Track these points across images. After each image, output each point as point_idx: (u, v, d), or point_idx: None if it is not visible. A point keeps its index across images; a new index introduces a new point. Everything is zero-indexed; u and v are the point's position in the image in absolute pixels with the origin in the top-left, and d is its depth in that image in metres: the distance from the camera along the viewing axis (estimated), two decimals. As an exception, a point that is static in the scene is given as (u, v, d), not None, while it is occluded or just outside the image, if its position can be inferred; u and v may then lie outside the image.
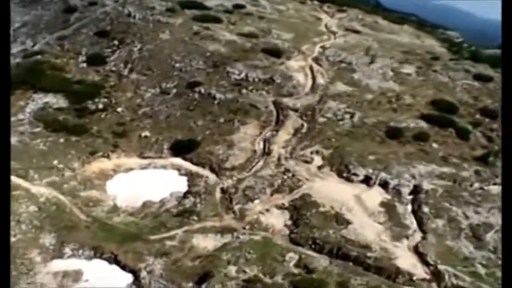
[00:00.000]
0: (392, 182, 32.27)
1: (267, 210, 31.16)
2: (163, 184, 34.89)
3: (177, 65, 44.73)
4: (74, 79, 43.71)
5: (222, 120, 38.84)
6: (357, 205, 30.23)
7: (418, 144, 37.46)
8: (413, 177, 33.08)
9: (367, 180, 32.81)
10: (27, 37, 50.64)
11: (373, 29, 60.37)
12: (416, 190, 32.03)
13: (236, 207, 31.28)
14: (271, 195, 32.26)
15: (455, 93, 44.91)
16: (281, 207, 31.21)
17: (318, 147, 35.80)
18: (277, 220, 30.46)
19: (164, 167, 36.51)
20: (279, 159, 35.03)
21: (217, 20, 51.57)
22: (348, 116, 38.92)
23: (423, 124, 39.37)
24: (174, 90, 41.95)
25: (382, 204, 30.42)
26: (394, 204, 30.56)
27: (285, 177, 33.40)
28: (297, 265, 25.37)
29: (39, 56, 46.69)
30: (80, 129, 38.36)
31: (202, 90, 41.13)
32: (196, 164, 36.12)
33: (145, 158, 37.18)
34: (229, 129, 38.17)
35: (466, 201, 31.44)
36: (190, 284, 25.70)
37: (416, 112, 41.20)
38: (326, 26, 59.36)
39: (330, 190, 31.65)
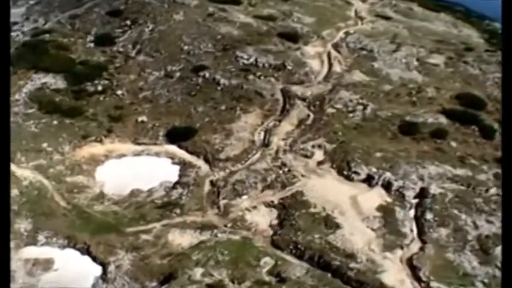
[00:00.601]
0: (396, 184, 29.00)
1: (254, 207, 28.70)
2: (154, 172, 33.05)
3: (186, 47, 42.52)
4: (78, 59, 42.24)
5: (223, 107, 36.44)
6: (351, 207, 27.26)
7: (434, 142, 33.90)
8: (422, 179, 29.67)
9: (369, 180, 29.72)
10: (39, 15, 49.61)
11: (405, 16, 56.10)
12: (422, 194, 28.64)
13: (222, 202, 29.01)
14: (262, 191, 29.73)
15: (485, 88, 40.79)
16: (269, 205, 28.69)
17: (322, 141, 32.87)
18: (263, 219, 28.00)
19: (158, 154, 34.60)
20: (277, 152, 32.41)
21: (236, 2, 48.93)
22: (360, 107, 35.68)
23: (443, 120, 35.69)
24: (178, 74, 39.79)
25: (380, 208, 27.28)
26: (394, 209, 27.33)
27: (280, 172, 30.76)
28: (270, 272, 22.87)
29: (47, 35, 45.48)
30: (75, 111, 36.85)
31: (207, 75, 38.78)
32: (191, 153, 34.04)
33: (139, 144, 35.38)
34: (230, 117, 35.75)
35: (478, 209, 27.89)
36: (154, 284, 23.57)
37: (437, 106, 37.47)
38: (355, 11, 55.44)
39: (325, 189, 28.80)
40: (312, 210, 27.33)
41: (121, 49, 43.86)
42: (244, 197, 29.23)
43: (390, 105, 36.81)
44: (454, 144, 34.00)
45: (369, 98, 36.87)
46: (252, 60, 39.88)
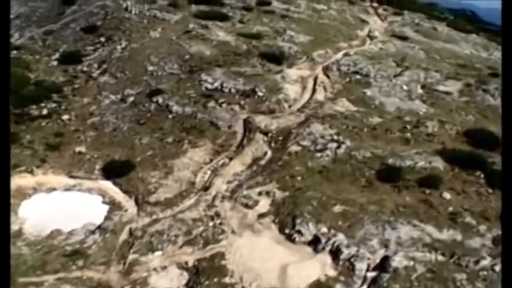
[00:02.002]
0: (347, 251, 21.94)
1: (165, 267, 22.58)
2: (81, 212, 27.86)
3: (151, 68, 37.38)
4: (34, 79, 37.96)
5: (170, 139, 30.74)
6: (277, 281, 20.41)
7: (421, 192, 26.50)
8: (386, 245, 22.40)
9: (315, 243, 22.67)
10: (16, 30, 46.21)
11: (426, 36, 48.91)
12: (381, 266, 21.34)
13: (130, 258, 23.02)
14: (181, 247, 23.55)
15: (506, 123, 32.60)
16: (183, 267, 22.45)
17: (272, 187, 26.30)
18: (170, 284, 21.81)
19: (90, 190, 29.36)
20: (214, 198, 26.14)
21: (224, 18, 43.45)
22: (332, 145, 28.84)
23: (439, 163, 28.20)
24: (132, 99, 34.58)
25: (316, 285, 20.26)
26: (333, 287, 20.20)
27: (210, 224, 24.52)
28: None
29: (15, 52, 41.70)
30: (11, 138, 32.06)
31: (161, 101, 33.27)
32: (125, 192, 28.45)
33: (73, 177, 30.18)
34: (175, 151, 29.99)
35: (457, 291, 20.26)
36: None
37: (436, 145, 30.05)
38: (370, 30, 48.65)
39: (254, 252, 22.25)
40: (226, 280, 20.89)
41: (85, 68, 39.34)
42: (158, 253, 23.26)
43: (374, 143, 29.73)
44: (447, 195, 26.44)
45: (347, 133, 29.97)
46: (216, 84, 34.04)
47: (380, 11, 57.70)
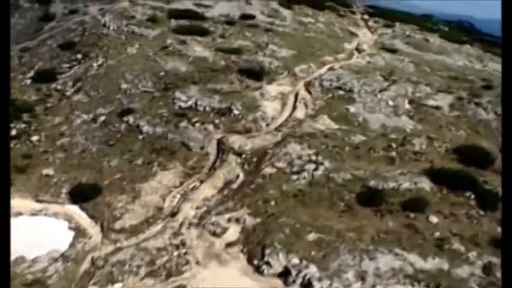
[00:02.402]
0: (319, 285, 19.87)
1: (122, 302, 20.55)
2: (47, 238, 26.13)
3: (124, 86, 35.69)
4: (4, 99, 36.07)
5: (139, 161, 28.93)
6: (240, 320, 18.41)
7: (406, 216, 24.56)
8: (363, 277, 20.40)
9: (285, 275, 20.68)
10: (-9, 48, 44.45)
11: (417, 48, 47.15)
12: (356, 303, 19.33)
13: (88, 291, 21.08)
14: (142, 279, 21.64)
15: (498, 138, 30.88)
16: (142, 303, 20.37)
17: (243, 213, 24.42)
18: (126, 322, 19.75)
19: (56, 215, 27.64)
20: (181, 225, 24.24)
21: (204, 33, 41.77)
22: (310, 167, 26.93)
23: (426, 184, 26.26)
24: (103, 118, 32.79)
25: (280, 326, 18.22)
26: (300, 329, 18.21)
27: (175, 254, 22.67)
28: None
29: (-11, 70, 40.04)
30: (-24, 161, 30.31)
31: (131, 121, 31.50)
32: (91, 217, 26.69)
33: (39, 201, 28.44)
34: (144, 174, 28.16)
35: (435, 334, 18.22)
36: None
37: (424, 164, 28.14)
38: (358, 43, 46.95)
39: (217, 285, 20.13)
40: (186, 318, 18.79)
41: (59, 87, 37.76)
42: (118, 285, 21.44)
43: (355, 163, 27.82)
44: (434, 219, 24.50)
45: (327, 153, 28.05)
46: (190, 102, 32.27)
47: (370, 23, 56.11)
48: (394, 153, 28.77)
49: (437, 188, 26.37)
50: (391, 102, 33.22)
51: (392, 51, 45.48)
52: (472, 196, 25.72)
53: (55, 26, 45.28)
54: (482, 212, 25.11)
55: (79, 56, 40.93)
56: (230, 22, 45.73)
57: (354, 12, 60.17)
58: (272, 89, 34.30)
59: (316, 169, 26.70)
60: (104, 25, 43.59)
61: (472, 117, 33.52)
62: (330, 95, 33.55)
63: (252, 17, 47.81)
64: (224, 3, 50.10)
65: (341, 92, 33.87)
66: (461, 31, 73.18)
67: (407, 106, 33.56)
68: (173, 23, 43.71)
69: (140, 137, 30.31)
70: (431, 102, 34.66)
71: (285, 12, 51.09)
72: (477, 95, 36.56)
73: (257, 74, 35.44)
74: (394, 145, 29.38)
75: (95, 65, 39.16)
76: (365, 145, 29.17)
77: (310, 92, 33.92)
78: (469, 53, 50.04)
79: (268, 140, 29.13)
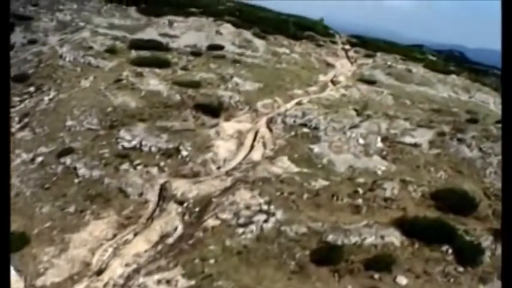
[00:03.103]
0: None
1: None
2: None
3: (69, 122, 32.23)
4: None
5: (72, 208, 25.38)
6: None
7: (369, 276, 20.82)
8: None
9: None
10: None
11: (398, 79, 43.84)
12: None
13: None
14: None
15: (482, 179, 27.32)
16: None
17: (177, 273, 20.61)
18: None
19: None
20: (105, 286, 20.38)
21: (164, 64, 38.64)
22: (260, 218, 23.20)
23: (394, 237, 22.55)
24: (41, 159, 29.22)
25: None
26: None
27: (86, 329, 18.54)
28: None
29: None
30: None
31: (68, 162, 27.95)
32: (17, 270, 22.99)
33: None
34: (76, 223, 24.60)
35: None
36: None
37: (395, 213, 24.53)
38: (335, 74, 43.72)
39: None
40: None
41: (2, 124, 34.04)
42: None
43: (314, 213, 24.08)
44: (403, 280, 20.77)
45: (281, 202, 24.32)
46: (135, 142, 28.72)
47: (351, 53, 53.03)
48: (360, 201, 25.09)
49: (409, 241, 22.74)
50: (361, 141, 29.65)
51: (371, 82, 42.20)
52: (450, 250, 22.09)
53: (12, 56, 42.15)
54: (461, 269, 21.49)
55: (31, 88, 37.75)
56: (196, 53, 42.64)
57: (335, 42, 57.17)
58: (229, 126, 30.81)
59: (266, 221, 22.96)
60: (61, 56, 40.43)
61: (454, 156, 29.96)
62: (293, 133, 29.99)
63: (221, 47, 44.76)
64: (192, 33, 47.15)
65: (305, 130, 30.32)
66: (450, 60, 70.75)
67: (380, 144, 29.97)
68: (133, 54, 40.56)
69: (76, 180, 26.78)
70: (408, 140, 31.08)
71: (258, 42, 48.02)
72: (461, 130, 33.10)
73: (214, 109, 32.01)
74: (361, 191, 25.70)
75: (46, 98, 35.90)
76: (327, 191, 25.48)
77: (271, 130, 30.38)
78: (455, 83, 46.76)
79: (215, 186, 25.46)
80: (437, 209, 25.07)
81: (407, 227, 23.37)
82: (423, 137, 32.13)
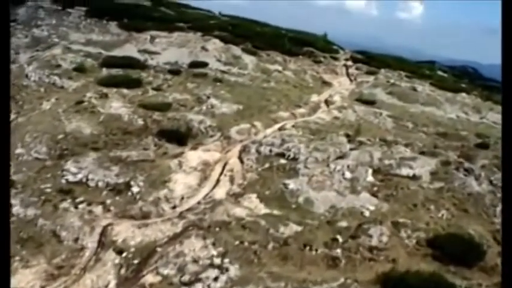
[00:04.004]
0: None
1: None
2: None
3: (19, 150, 28.28)
4: None
5: None
6: None
7: None
8: None
9: None
10: None
11: (402, 99, 39.32)
12: None
13: None
14: None
15: (492, 220, 22.89)
16: None
17: None
18: None
19: None
20: None
21: (135, 84, 34.71)
22: (210, 275, 18.86)
23: (378, 300, 17.93)
24: (-25, 195, 24.99)
25: None
26: None
27: None
28: None
29: None
30: None
31: (2, 200, 23.61)
32: None
33: None
34: None
35: None
36: None
37: (382, 266, 20.24)
38: (330, 94, 39.35)
39: None
40: None
41: (-50, 151, 30.28)
42: None
43: (278, 268, 19.62)
44: None
45: (239, 253, 19.92)
46: (81, 176, 24.61)
47: (352, 70, 48.55)
48: (339, 251, 20.63)
49: (393, 307, 18.07)
50: (348, 174, 25.14)
51: (370, 102, 37.68)
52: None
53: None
54: None
55: (-10, 112, 33.83)
56: (174, 71, 38.65)
57: (336, 59, 52.74)
58: (195, 156, 26.54)
59: (216, 279, 18.50)
60: (27, 75, 36.82)
61: (460, 190, 25.38)
62: (267, 165, 25.58)
63: (204, 64, 40.74)
64: (175, 49, 43.26)
65: (282, 161, 25.89)
66: (463, 77, 66.31)
67: (370, 178, 25.45)
68: (104, 72, 36.77)
69: (11, 220, 22.60)
70: (405, 171, 26.54)
71: (248, 59, 43.88)
72: (469, 158, 28.49)
73: (181, 136, 27.82)
74: (340, 239, 21.25)
75: (1, 123, 31.88)
76: (298, 239, 21.03)
77: (242, 161, 25.99)
78: (465, 102, 41.93)
79: (163, 232, 21.13)
80: (434, 259, 20.61)
81: (396, 285, 18.77)
82: (424, 167, 27.55)
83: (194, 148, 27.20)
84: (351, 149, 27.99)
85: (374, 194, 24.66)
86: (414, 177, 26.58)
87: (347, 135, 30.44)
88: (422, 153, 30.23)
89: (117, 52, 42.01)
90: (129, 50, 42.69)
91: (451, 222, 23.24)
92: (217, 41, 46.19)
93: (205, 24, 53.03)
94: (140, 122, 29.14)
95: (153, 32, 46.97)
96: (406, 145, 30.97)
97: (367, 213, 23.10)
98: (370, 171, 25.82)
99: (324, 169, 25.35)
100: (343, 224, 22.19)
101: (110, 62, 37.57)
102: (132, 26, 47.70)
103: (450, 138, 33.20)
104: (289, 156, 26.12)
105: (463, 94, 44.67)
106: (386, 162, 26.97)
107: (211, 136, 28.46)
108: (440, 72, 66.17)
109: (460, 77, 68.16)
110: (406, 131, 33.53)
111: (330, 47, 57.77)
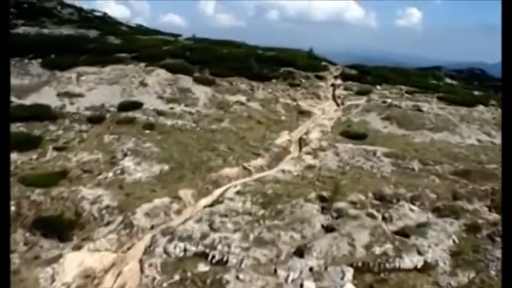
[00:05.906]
0: None
1: None
2: None
3: None
4: None
5: None
6: None
7: None
8: None
9: None
10: None
11: (402, 125, 29.27)
12: None
13: None
14: None
15: None
16: None
17: None
18: None
19: None
20: None
21: (31, 144, 25.56)
22: None
23: None
24: None
25: None
26: None
27: None
28: None
29: None
30: None
31: None
32: None
33: None
34: None
35: None
36: None
37: None
38: (308, 128, 29.10)
39: None
40: None
41: None
42: None
43: None
44: None
45: None
46: None
47: (339, 90, 38.31)
48: None
49: None
50: (308, 285, 14.60)
51: (359, 137, 27.36)
52: None
53: None
54: None
55: None
56: (96, 119, 28.93)
57: (322, 78, 42.45)
58: (76, 261, 16.60)
59: None
60: None
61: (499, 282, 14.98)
62: (178, 277, 15.27)
63: (138, 105, 30.92)
64: (104, 88, 33.62)
65: (202, 268, 15.48)
66: (472, 80, 57.21)
67: (347, 285, 14.86)
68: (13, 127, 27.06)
69: None
70: (409, 261, 16.08)
71: (201, 90, 34.00)
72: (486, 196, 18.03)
73: (63, 228, 17.99)
74: None
75: None
76: None
77: (142, 270, 15.68)
78: (484, 118, 31.45)
79: None
80: None
81: None
82: (439, 243, 17.16)
83: (78, 247, 17.08)
84: (321, 230, 17.57)
85: (357, 314, 14.20)
86: (424, 269, 16.16)
87: (321, 199, 20.08)
88: (436, 210, 20.05)
89: (32, 99, 32.49)
90: (47, 95, 33.14)
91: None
92: (162, 71, 36.49)
93: (155, 51, 43.41)
94: (12, 208, 19.19)
95: (81, 68, 37.49)
96: (413, 199, 20.71)
97: None
98: (349, 274, 15.36)
99: (267, 280, 14.90)
100: None
101: (15, 115, 27.90)
102: (57, 63, 38.31)
103: (474, 178, 22.75)
104: (213, 257, 15.74)
105: (480, 107, 34.17)
106: (378, 249, 16.50)
107: (107, 224, 18.35)
108: (447, 79, 56.14)
109: (468, 81, 59.63)
110: (411, 175, 23.13)
111: (316, 64, 47.55)
